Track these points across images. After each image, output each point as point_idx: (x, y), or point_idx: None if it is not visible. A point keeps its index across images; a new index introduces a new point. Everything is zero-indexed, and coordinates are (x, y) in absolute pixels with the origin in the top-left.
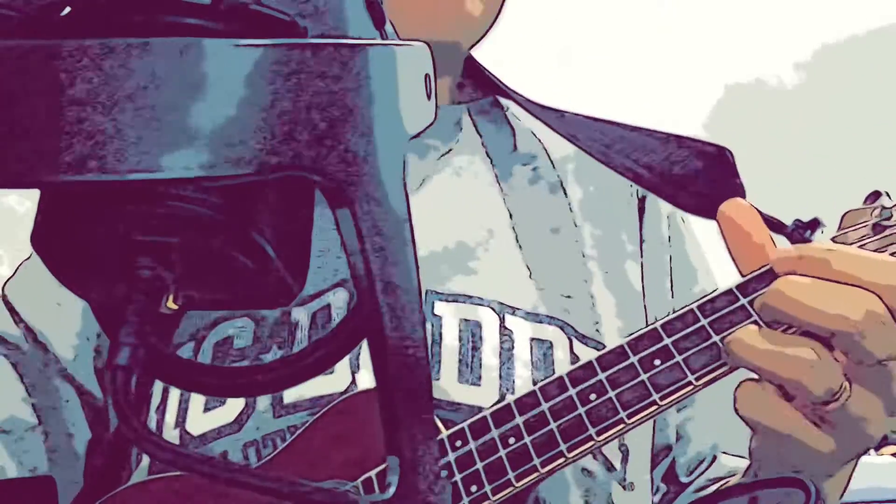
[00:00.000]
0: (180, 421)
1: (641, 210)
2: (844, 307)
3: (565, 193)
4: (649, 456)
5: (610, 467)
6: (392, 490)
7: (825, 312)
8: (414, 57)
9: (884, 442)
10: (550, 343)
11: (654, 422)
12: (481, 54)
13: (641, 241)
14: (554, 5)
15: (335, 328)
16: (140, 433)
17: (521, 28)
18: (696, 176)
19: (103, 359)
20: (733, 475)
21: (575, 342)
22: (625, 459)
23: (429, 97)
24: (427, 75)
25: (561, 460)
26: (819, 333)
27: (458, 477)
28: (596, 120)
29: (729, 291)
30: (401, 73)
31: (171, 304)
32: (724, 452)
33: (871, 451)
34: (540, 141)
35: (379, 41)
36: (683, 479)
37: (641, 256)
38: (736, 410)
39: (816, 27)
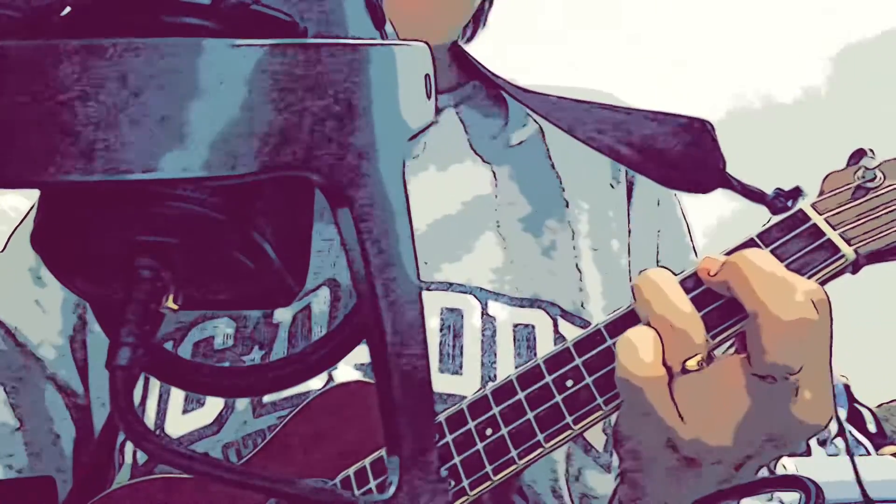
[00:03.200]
0: (159, 423)
1: (630, 189)
2: (776, 301)
3: (555, 170)
4: None
5: (591, 451)
6: (392, 490)
7: (757, 296)
8: (414, 57)
9: (884, 441)
10: (533, 326)
11: None
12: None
13: (629, 220)
14: (560, 14)
15: (335, 328)
16: (140, 433)
17: (526, 34)
18: (677, 150)
19: (81, 354)
20: None
21: (560, 321)
22: (609, 442)
23: (428, 97)
24: (427, 75)
25: (539, 451)
26: (746, 309)
27: None
28: (575, 101)
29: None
30: (401, 73)
31: (171, 304)
32: None
33: (872, 451)
34: (534, 119)
35: (379, 41)
36: None
37: (629, 236)
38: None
39: (821, 39)
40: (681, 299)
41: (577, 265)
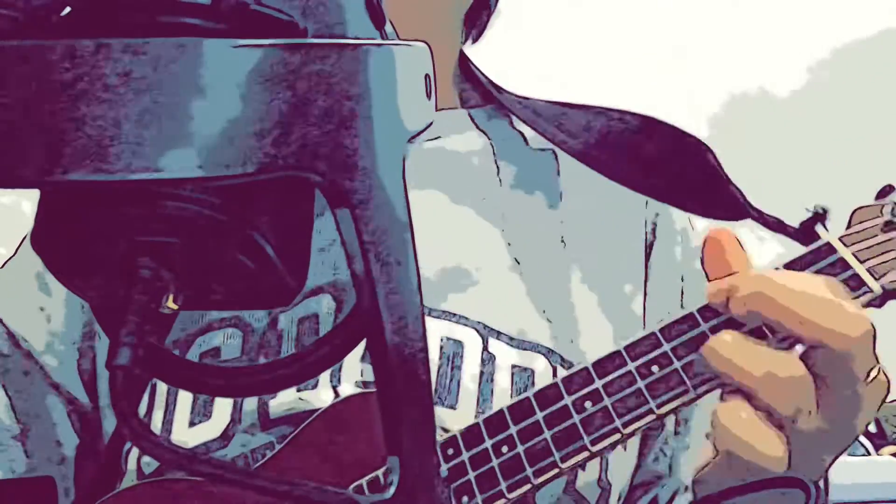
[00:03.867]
0: (165, 435)
1: (653, 228)
2: (839, 322)
3: (565, 211)
4: (627, 489)
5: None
6: (392, 490)
7: (820, 326)
8: (414, 57)
9: (884, 442)
10: (532, 371)
11: (642, 451)
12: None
13: (647, 263)
14: (557, 11)
15: (335, 328)
16: (139, 433)
17: (526, 31)
18: (684, 172)
19: (87, 362)
20: None
21: (560, 370)
22: (604, 496)
23: (429, 97)
24: (427, 75)
25: (554, 471)
26: (806, 343)
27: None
28: (584, 108)
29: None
30: (401, 73)
31: (171, 304)
32: None
33: (872, 452)
34: (552, 152)
35: (379, 41)
36: None
37: (646, 279)
38: (712, 426)
39: (820, 33)
40: (775, 361)
41: (578, 313)
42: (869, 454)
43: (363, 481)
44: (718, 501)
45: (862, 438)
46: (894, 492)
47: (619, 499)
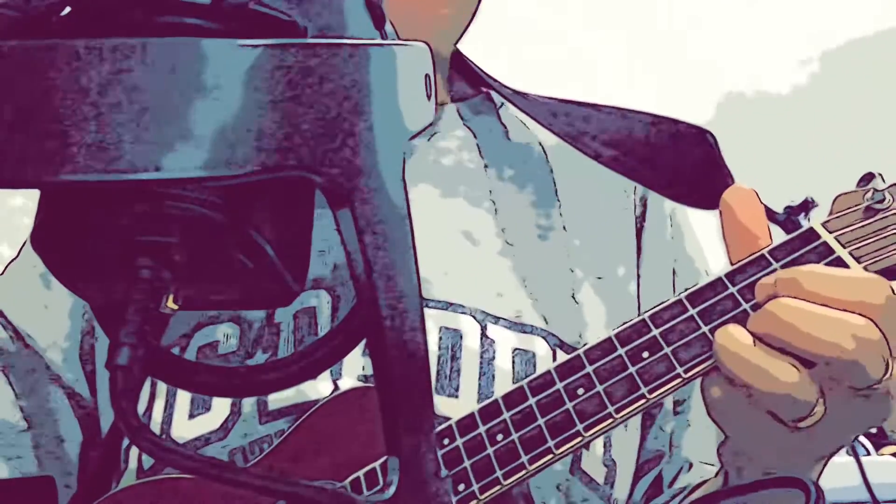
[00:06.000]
0: (165, 427)
1: (643, 211)
2: (840, 335)
3: (556, 197)
4: (633, 469)
5: (590, 483)
6: (392, 490)
7: (820, 340)
8: (414, 57)
9: (884, 441)
10: (533, 353)
11: (644, 430)
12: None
13: (639, 245)
14: (551, 8)
15: (335, 328)
16: (139, 432)
17: (519, 33)
18: (682, 163)
19: (91, 360)
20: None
21: (559, 352)
22: (611, 474)
23: (429, 97)
24: (427, 75)
25: (549, 457)
26: (811, 360)
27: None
28: (582, 105)
29: (718, 280)
30: (401, 73)
31: (171, 304)
32: (705, 462)
33: (872, 451)
34: (539, 142)
35: (379, 41)
36: (665, 490)
37: (639, 260)
38: (705, 403)
39: (816, 32)
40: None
41: (574, 296)
42: (868, 454)
43: (360, 474)
44: (719, 501)
45: (862, 438)
46: (894, 492)
47: (628, 477)
